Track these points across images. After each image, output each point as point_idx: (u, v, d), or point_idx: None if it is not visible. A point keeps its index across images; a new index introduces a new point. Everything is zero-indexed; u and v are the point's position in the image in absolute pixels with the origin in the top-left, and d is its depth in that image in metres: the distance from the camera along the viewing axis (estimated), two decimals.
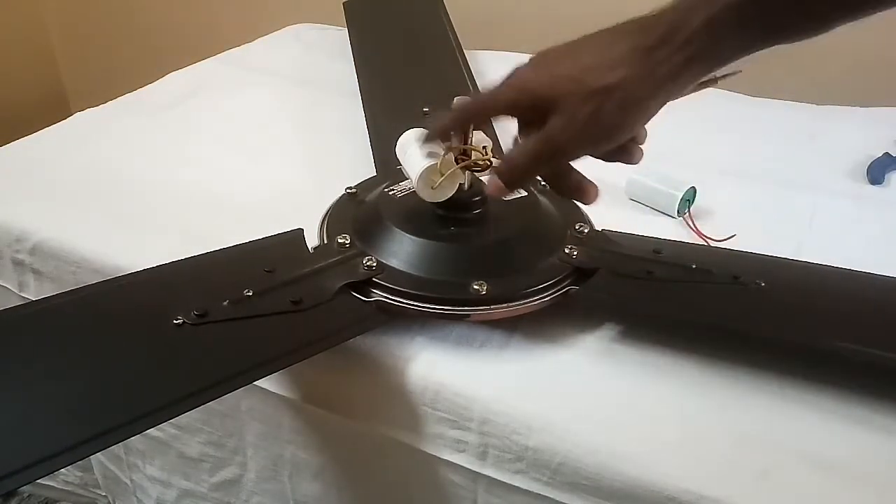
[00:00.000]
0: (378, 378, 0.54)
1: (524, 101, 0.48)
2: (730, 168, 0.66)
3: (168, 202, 0.72)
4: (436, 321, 0.56)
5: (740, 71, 0.47)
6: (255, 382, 0.55)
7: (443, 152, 0.55)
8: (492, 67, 1.01)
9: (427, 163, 0.55)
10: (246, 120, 0.90)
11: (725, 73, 0.47)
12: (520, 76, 0.48)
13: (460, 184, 0.57)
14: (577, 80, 0.45)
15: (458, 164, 0.55)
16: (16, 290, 0.72)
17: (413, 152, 0.56)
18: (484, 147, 0.55)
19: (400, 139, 0.58)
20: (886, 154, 0.82)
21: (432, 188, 0.55)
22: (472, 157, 0.55)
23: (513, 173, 0.50)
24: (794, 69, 1.02)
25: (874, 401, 0.51)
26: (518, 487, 0.51)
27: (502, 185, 0.50)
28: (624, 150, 0.49)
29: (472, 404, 0.51)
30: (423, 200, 0.59)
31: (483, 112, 0.51)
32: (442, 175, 0.54)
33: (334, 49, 1.08)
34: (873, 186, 0.80)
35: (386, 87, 0.88)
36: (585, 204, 0.52)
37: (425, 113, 0.77)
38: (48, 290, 0.68)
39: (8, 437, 0.41)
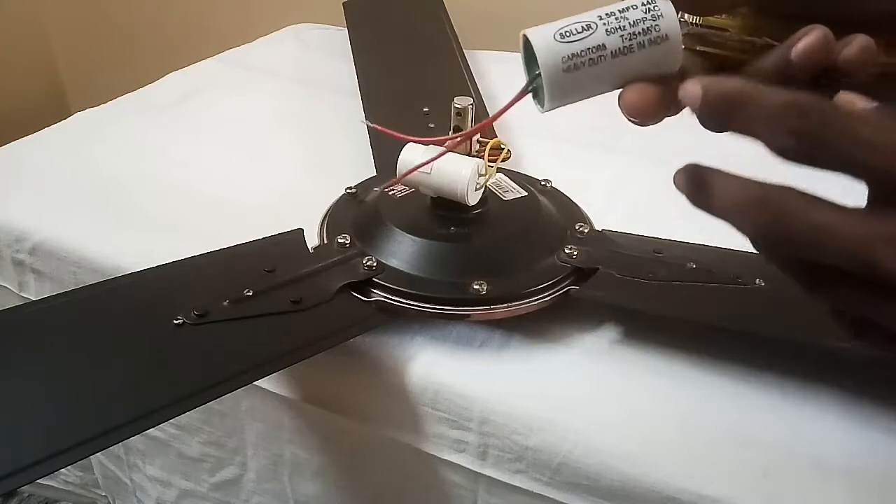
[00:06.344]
0: (378, 378, 0.54)
1: None
2: (729, 168, 0.66)
3: (168, 202, 0.72)
4: (436, 321, 0.56)
5: None
6: (255, 382, 0.55)
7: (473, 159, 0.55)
8: (492, 67, 1.01)
9: (473, 163, 0.55)
10: (246, 120, 0.90)
11: None
12: None
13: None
14: None
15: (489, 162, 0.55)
16: (16, 290, 0.72)
17: (443, 159, 0.55)
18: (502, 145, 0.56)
19: (409, 152, 0.56)
20: None
21: (475, 189, 0.56)
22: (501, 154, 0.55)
23: None
24: None
25: (874, 401, 0.51)
26: (518, 487, 0.51)
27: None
28: None
29: (472, 404, 0.51)
30: (423, 200, 0.59)
31: None
32: (481, 175, 0.55)
33: (334, 49, 1.08)
34: None
35: (386, 87, 0.88)
36: None
37: (425, 113, 0.77)
38: (48, 290, 0.68)
39: (8, 437, 0.41)
